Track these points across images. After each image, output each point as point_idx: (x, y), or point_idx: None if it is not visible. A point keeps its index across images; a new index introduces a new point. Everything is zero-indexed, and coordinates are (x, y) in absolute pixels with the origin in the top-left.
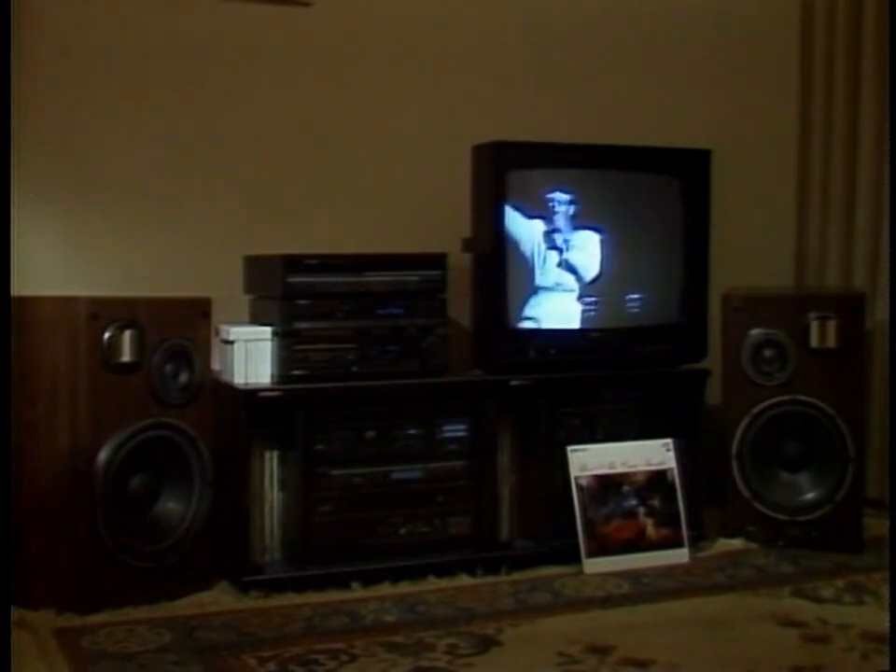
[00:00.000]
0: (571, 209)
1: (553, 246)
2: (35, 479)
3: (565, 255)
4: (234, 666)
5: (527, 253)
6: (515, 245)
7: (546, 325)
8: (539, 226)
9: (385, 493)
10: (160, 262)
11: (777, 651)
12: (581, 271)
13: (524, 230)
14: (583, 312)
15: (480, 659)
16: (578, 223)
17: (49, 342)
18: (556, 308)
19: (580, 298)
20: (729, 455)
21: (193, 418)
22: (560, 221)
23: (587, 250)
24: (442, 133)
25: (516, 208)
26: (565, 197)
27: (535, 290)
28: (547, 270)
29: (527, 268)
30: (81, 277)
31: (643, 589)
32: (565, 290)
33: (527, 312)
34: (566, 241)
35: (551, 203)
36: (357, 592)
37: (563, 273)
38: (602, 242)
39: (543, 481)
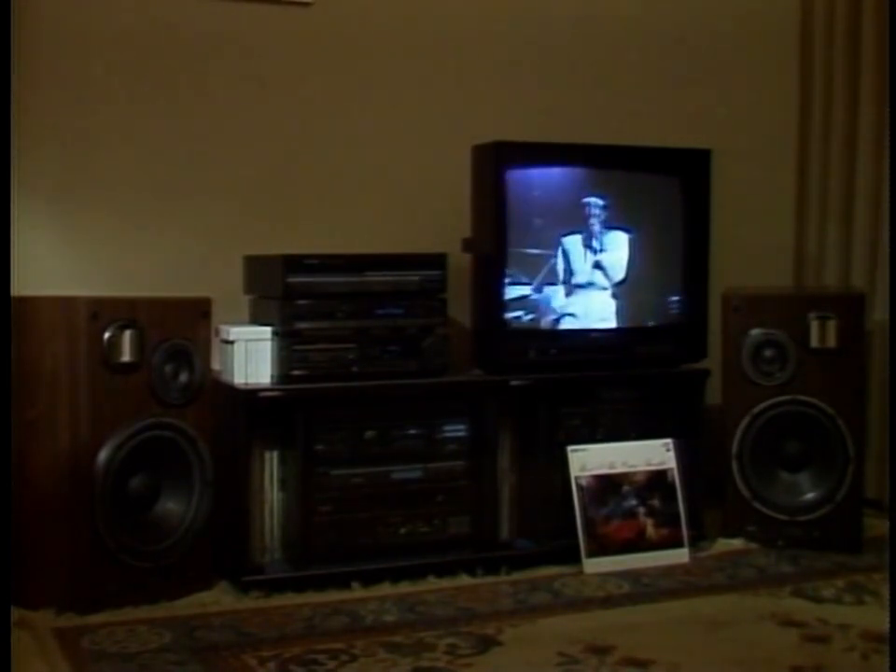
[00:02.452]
0: (571, 208)
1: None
2: (35, 479)
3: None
4: (234, 666)
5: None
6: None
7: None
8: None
9: (385, 493)
10: (160, 262)
11: (777, 651)
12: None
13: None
14: (585, 311)
15: (480, 659)
16: (577, 223)
17: (49, 342)
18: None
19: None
20: (729, 455)
21: (193, 418)
22: (562, 220)
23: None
24: (442, 133)
25: (520, 207)
26: (566, 196)
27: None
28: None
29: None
30: (81, 277)
31: (643, 589)
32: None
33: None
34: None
35: (551, 202)
36: (356, 592)
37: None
38: (605, 241)
39: (543, 481)
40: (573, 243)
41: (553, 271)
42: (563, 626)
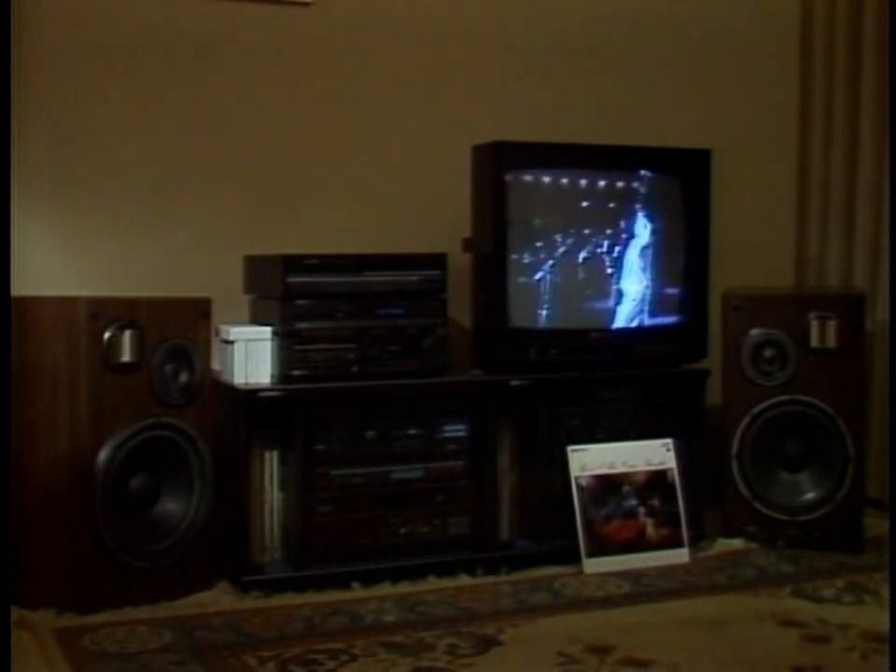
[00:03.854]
0: (571, 208)
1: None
2: (35, 479)
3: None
4: (234, 666)
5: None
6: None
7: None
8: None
9: (385, 493)
10: (160, 262)
11: (777, 651)
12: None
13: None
14: (585, 311)
15: (480, 659)
16: (577, 223)
17: (48, 342)
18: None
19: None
20: (729, 455)
21: (193, 418)
22: (562, 221)
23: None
24: (442, 132)
25: (520, 207)
26: (566, 196)
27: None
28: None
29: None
30: (81, 277)
31: (643, 589)
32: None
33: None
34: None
35: (551, 202)
36: (357, 592)
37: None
38: (604, 242)
39: (543, 481)
40: (573, 242)
41: (554, 270)
42: (563, 626)
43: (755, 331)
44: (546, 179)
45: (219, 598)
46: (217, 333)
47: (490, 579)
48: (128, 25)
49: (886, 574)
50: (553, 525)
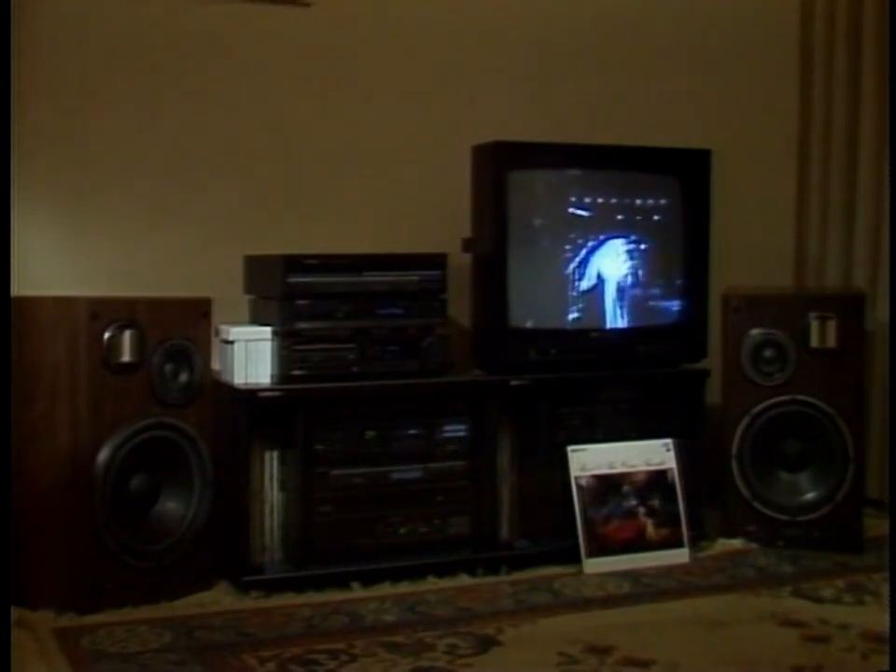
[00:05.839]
0: (571, 209)
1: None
2: (35, 478)
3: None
4: (234, 666)
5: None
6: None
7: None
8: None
9: (385, 493)
10: (160, 262)
11: (777, 651)
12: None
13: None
14: (585, 311)
15: (480, 659)
16: (577, 223)
17: (49, 342)
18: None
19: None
20: (729, 455)
21: (193, 418)
22: (562, 221)
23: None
24: (442, 133)
25: (520, 207)
26: (566, 196)
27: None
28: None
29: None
30: (81, 277)
31: (643, 589)
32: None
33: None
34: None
35: (551, 202)
36: (357, 592)
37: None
38: (604, 242)
39: (543, 481)
40: (574, 242)
41: (554, 270)
42: (563, 626)
43: (755, 331)
44: (546, 179)
45: (219, 598)
46: (217, 333)
47: (490, 579)
48: (128, 26)
49: (886, 574)
50: (553, 525)
